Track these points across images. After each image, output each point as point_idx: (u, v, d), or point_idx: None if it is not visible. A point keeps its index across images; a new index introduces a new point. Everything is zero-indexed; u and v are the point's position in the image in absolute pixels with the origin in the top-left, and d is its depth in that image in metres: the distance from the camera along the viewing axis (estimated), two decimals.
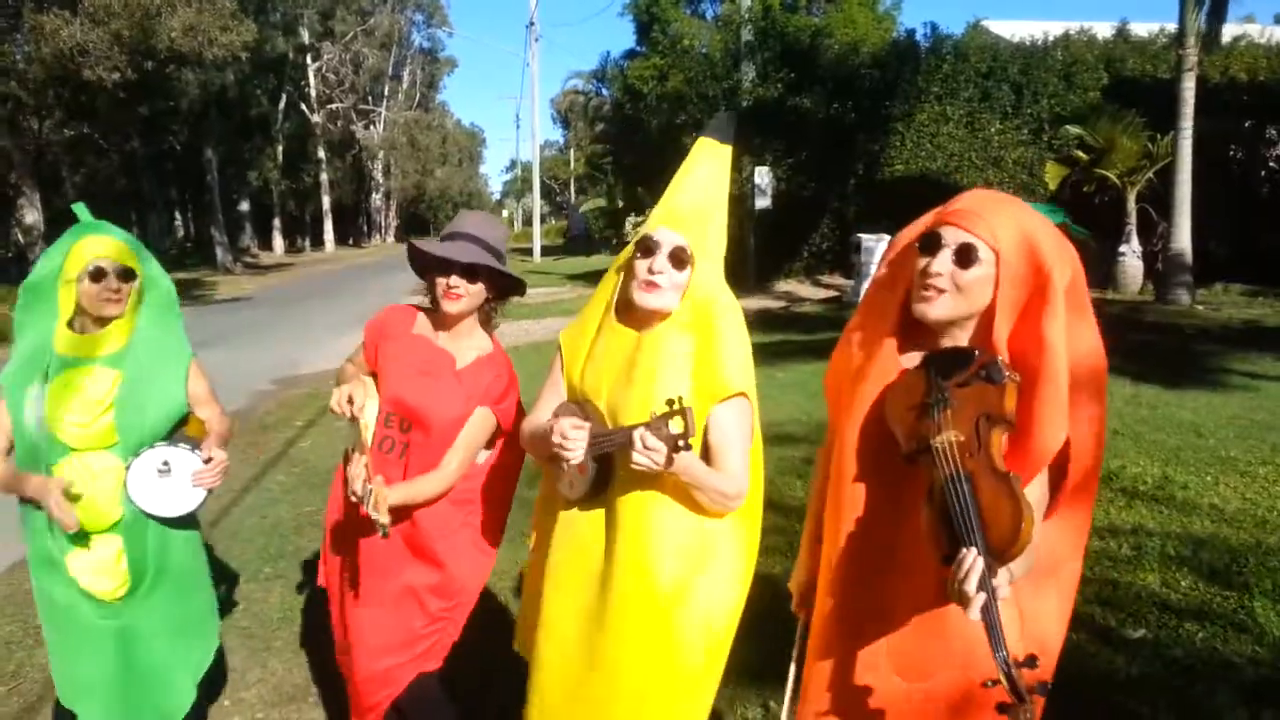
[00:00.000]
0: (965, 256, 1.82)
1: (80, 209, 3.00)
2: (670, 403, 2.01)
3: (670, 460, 2.05)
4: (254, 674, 4.23)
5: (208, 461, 2.86)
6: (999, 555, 1.62)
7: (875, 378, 1.98)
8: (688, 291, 2.28)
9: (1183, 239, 13.97)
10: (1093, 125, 15.97)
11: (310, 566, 5.44)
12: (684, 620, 2.29)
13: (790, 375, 9.98)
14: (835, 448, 2.09)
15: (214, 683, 4.13)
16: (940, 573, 1.71)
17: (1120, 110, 15.66)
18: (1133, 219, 15.70)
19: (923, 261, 1.87)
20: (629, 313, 2.34)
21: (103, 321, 2.83)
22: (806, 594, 2.34)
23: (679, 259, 2.25)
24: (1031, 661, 1.55)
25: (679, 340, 2.26)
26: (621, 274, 2.38)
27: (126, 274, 2.83)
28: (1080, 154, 16.23)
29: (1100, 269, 15.16)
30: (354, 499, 2.56)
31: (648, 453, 2.03)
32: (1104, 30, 21.11)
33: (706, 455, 2.26)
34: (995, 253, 1.82)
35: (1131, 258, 15.67)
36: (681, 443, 2.00)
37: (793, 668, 2.44)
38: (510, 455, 2.90)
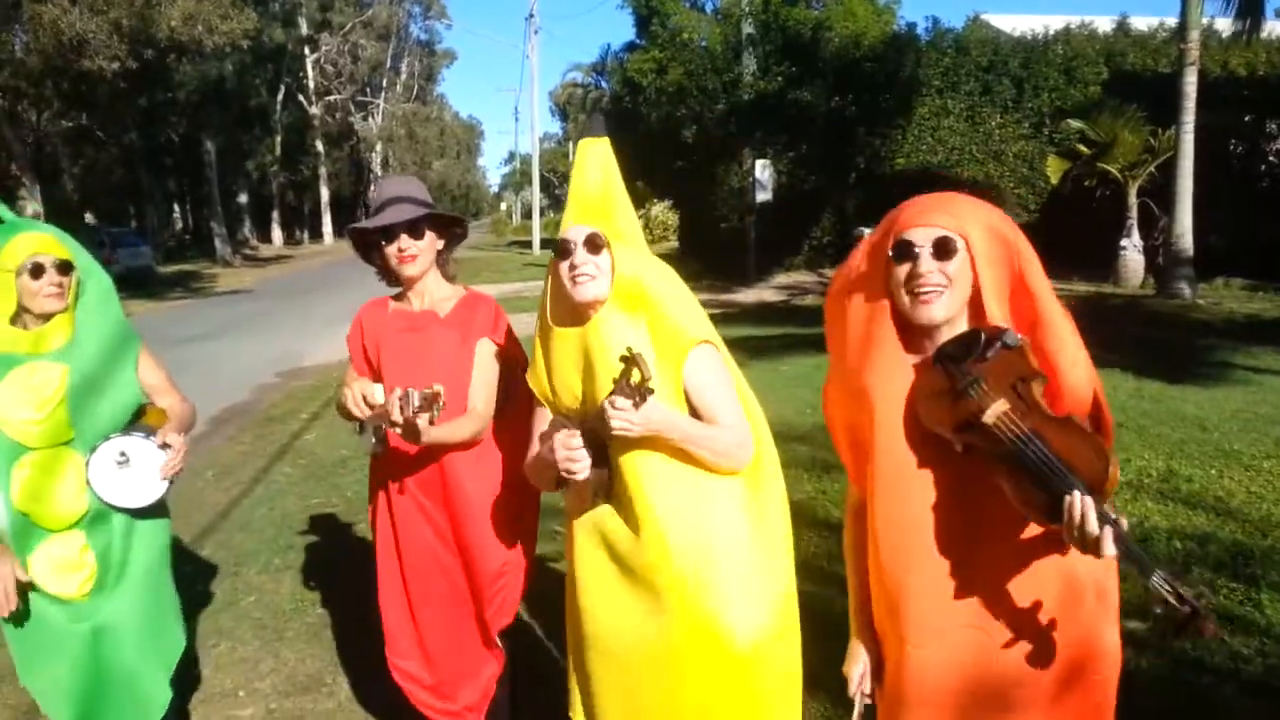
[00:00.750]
0: (943, 249, 1.86)
1: (1, 209, 2.93)
2: (623, 359, 2.04)
3: (645, 414, 2.08)
4: (267, 664, 4.25)
5: (164, 448, 2.82)
6: (1100, 490, 1.65)
7: (893, 396, 1.95)
8: (614, 275, 2.31)
9: (1184, 233, 14.00)
10: (1094, 119, 15.98)
11: (320, 557, 5.48)
12: (713, 582, 2.26)
13: (793, 369, 10.00)
14: (872, 477, 1.98)
15: (227, 673, 4.17)
16: (1031, 541, 1.77)
17: (1121, 104, 15.68)
18: (1134, 213, 15.73)
19: (904, 269, 1.88)
20: (566, 315, 2.37)
21: (46, 317, 2.78)
22: (876, 670, 2.12)
23: (595, 245, 2.29)
24: (1177, 573, 1.56)
25: (621, 318, 2.28)
26: (550, 285, 2.42)
27: (64, 267, 2.78)
28: (1082, 148, 16.25)
29: (1102, 263, 15.21)
30: (399, 429, 2.52)
31: (619, 413, 2.07)
32: (1104, 24, 21.13)
33: (698, 417, 2.27)
34: (964, 239, 1.86)
35: (1133, 252, 15.69)
36: (646, 389, 2.03)
37: None
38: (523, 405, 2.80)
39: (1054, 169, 16.71)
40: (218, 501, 6.62)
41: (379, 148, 63.82)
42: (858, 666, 2.13)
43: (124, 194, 41.89)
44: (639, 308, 2.30)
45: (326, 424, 8.85)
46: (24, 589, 2.77)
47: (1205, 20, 13.82)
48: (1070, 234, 16.25)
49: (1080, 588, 1.88)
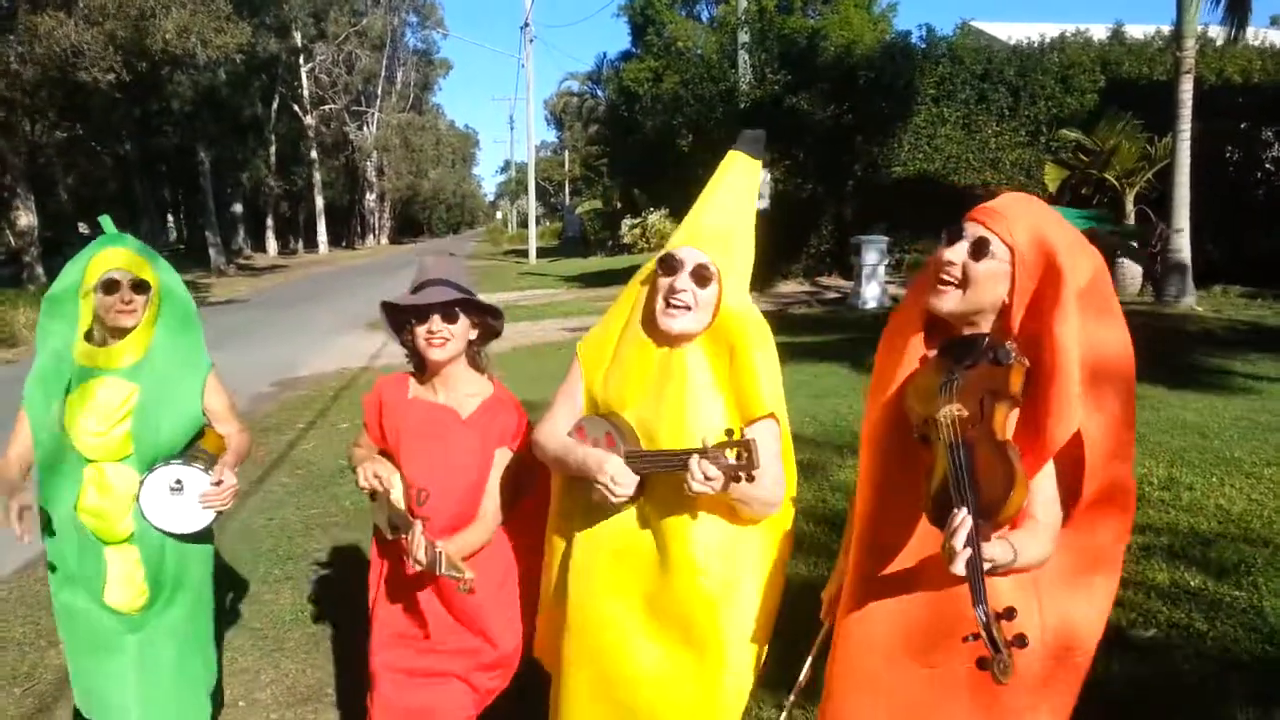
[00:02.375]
0: (979, 249, 1.90)
1: (106, 221, 3.02)
2: (729, 433, 2.05)
3: (726, 486, 2.06)
4: (267, 675, 4.23)
5: (217, 484, 2.85)
6: (988, 515, 1.71)
7: (902, 368, 2.05)
8: (717, 310, 2.25)
9: (1182, 241, 14.00)
10: (1091, 128, 16.00)
11: (319, 568, 5.45)
12: (732, 618, 2.30)
13: (792, 378, 9.96)
14: (861, 438, 2.16)
15: (227, 684, 4.14)
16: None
17: (1118, 113, 15.71)
18: (1131, 221, 15.75)
19: (941, 252, 1.95)
20: (655, 327, 2.30)
21: (119, 333, 2.84)
22: (833, 604, 2.35)
23: (702, 276, 2.22)
24: (1010, 613, 1.63)
25: (710, 360, 2.26)
26: (645, 287, 2.35)
27: (140, 285, 2.83)
28: (1079, 156, 16.28)
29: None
30: (420, 567, 2.52)
31: (707, 483, 2.04)
32: (1099, 32, 21.17)
33: None
34: (1010, 249, 1.88)
35: (1130, 260, 15.71)
36: (742, 474, 2.02)
37: (806, 669, 2.47)
38: (538, 501, 2.82)
39: (1051, 177, 16.72)
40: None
41: (374, 157, 63.87)
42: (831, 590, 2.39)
43: (118, 204, 41.78)
44: (728, 352, 2.25)
45: (323, 434, 8.82)
46: (80, 598, 2.86)
47: (1200, 28, 13.83)
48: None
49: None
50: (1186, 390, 8.56)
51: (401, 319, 2.77)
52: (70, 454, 2.78)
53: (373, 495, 2.67)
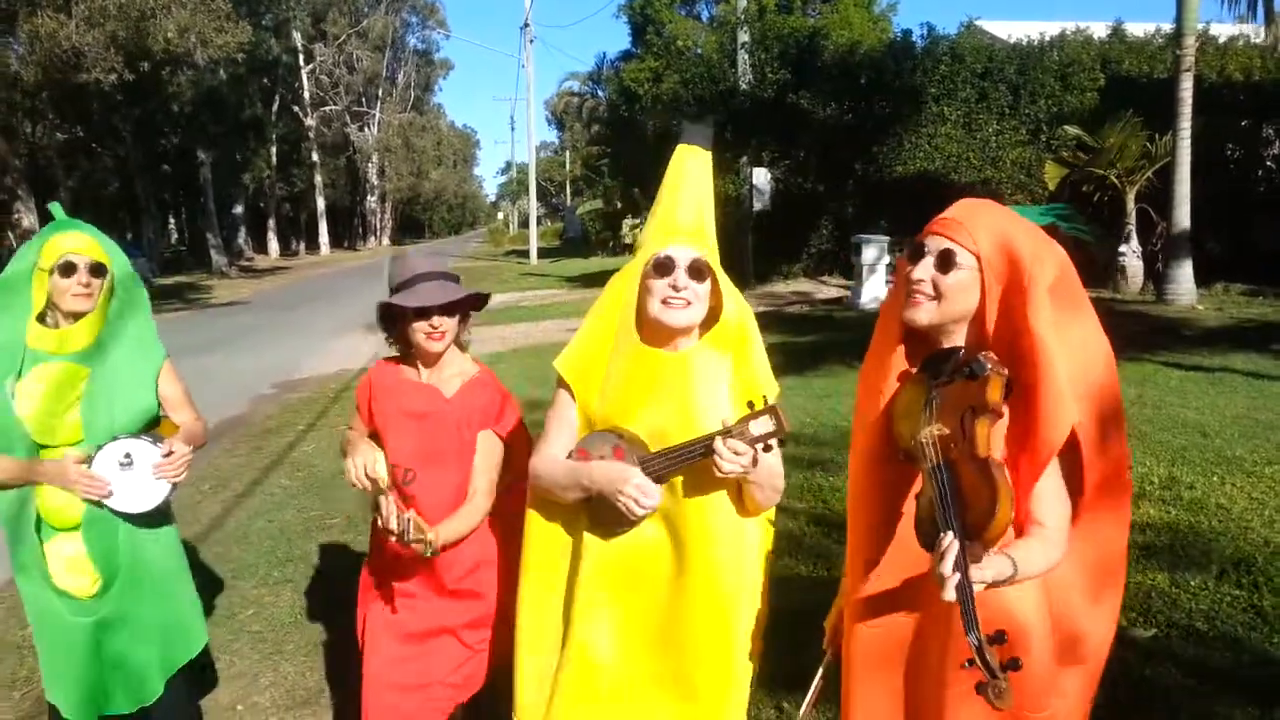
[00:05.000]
0: (945, 261, 1.91)
1: (56, 208, 3.01)
2: (751, 404, 2.07)
3: (756, 460, 2.08)
4: (266, 678, 4.22)
5: (168, 455, 2.83)
6: (976, 535, 1.70)
7: (886, 387, 2.05)
8: (718, 309, 2.28)
9: (1183, 239, 14.00)
10: (1091, 126, 15.97)
11: (319, 571, 5.44)
12: (741, 620, 2.32)
13: (793, 378, 9.97)
14: (850, 457, 2.17)
15: (226, 687, 4.13)
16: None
17: (1118, 110, 15.68)
18: (1132, 219, 15.73)
19: (908, 270, 1.96)
20: (650, 332, 2.29)
21: (74, 317, 2.83)
22: (835, 634, 2.34)
23: (698, 271, 2.24)
24: (1000, 637, 1.62)
25: (713, 356, 2.26)
26: (628, 295, 2.34)
27: (97, 269, 2.82)
28: (1079, 154, 16.25)
29: (1101, 269, 15.19)
30: (393, 537, 2.55)
31: (737, 459, 2.06)
32: (1100, 30, 21.13)
33: None
34: (976, 256, 1.90)
35: (1132, 258, 15.69)
36: (773, 440, 2.05)
37: (817, 680, 2.45)
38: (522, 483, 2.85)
39: (1052, 175, 16.67)
40: (215, 514, 6.58)
41: (375, 158, 63.89)
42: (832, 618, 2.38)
43: (119, 206, 41.82)
44: (730, 346, 2.28)
45: (324, 436, 8.82)
46: (43, 583, 2.85)
47: (1201, 25, 13.80)
48: (1069, 240, 16.26)
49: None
50: (1187, 388, 8.55)
51: (396, 313, 2.79)
52: (22, 439, 2.75)
53: (374, 483, 2.69)
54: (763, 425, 2.05)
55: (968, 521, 1.70)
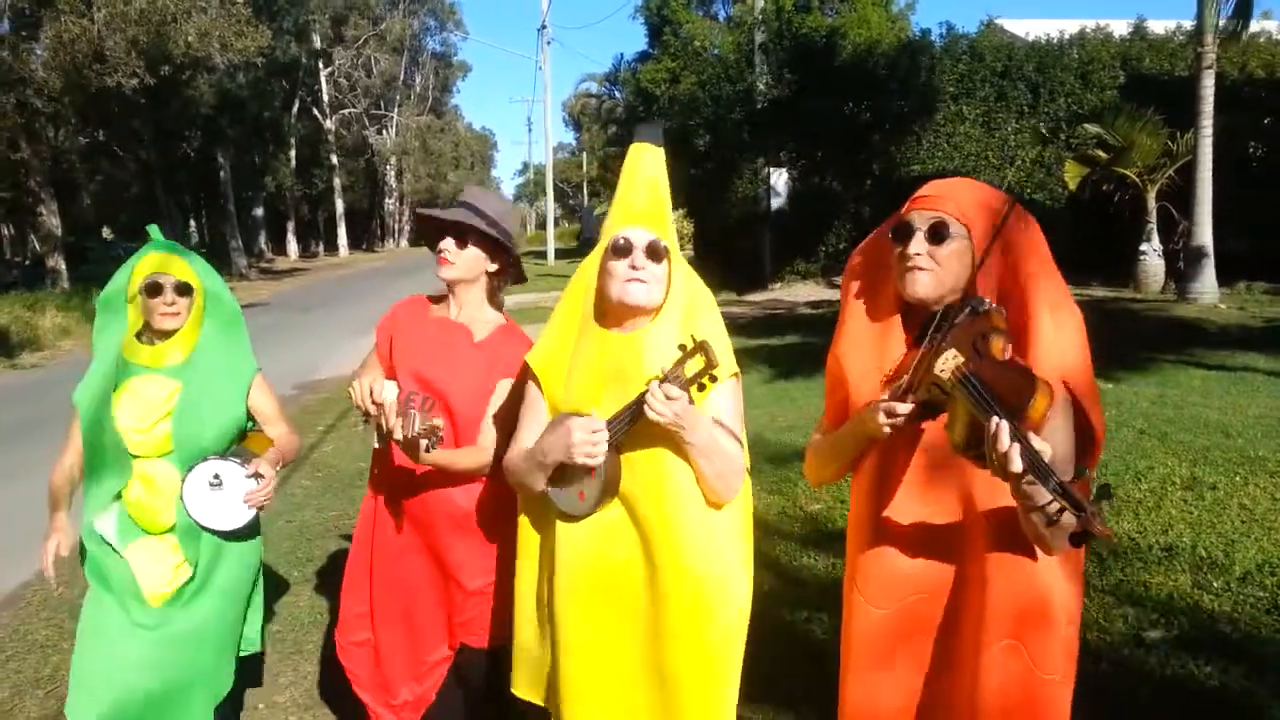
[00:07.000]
0: (937, 233, 1.96)
1: (154, 230, 3.11)
2: (682, 347, 2.10)
3: (685, 405, 2.11)
4: (286, 677, 4.24)
5: (254, 478, 2.89)
6: (1020, 415, 1.70)
7: (886, 362, 2.08)
8: (670, 287, 2.34)
9: (1204, 237, 13.89)
10: (1111, 123, 15.87)
11: (339, 570, 5.44)
12: (724, 611, 2.32)
13: (804, 380, 9.95)
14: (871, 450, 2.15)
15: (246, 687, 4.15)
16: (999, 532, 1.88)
17: (1138, 108, 15.57)
18: (1153, 217, 15.62)
19: (899, 249, 2.01)
20: (609, 317, 2.36)
21: (165, 335, 2.94)
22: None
23: (655, 252, 2.30)
24: (1081, 471, 1.66)
25: (669, 335, 2.29)
26: (588, 287, 2.43)
27: (182, 288, 2.93)
28: (1100, 153, 16.14)
29: (1122, 268, 15.11)
30: (397, 435, 2.50)
31: (669, 403, 2.09)
32: (1120, 28, 20.98)
33: None
34: (966, 226, 1.96)
35: (1153, 256, 15.59)
36: (707, 378, 2.07)
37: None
38: None
39: (1072, 174, 16.57)
40: None
41: (393, 160, 64.11)
42: None
43: (140, 209, 42.11)
44: (685, 321, 2.32)
45: (344, 436, 8.86)
46: (107, 584, 2.89)
47: (1221, 22, 13.69)
48: (1090, 239, 16.18)
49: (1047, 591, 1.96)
50: (1209, 388, 8.47)
51: (427, 229, 2.88)
52: (116, 448, 2.84)
53: (365, 417, 2.62)
54: (695, 365, 2.08)
55: (1008, 403, 1.71)
